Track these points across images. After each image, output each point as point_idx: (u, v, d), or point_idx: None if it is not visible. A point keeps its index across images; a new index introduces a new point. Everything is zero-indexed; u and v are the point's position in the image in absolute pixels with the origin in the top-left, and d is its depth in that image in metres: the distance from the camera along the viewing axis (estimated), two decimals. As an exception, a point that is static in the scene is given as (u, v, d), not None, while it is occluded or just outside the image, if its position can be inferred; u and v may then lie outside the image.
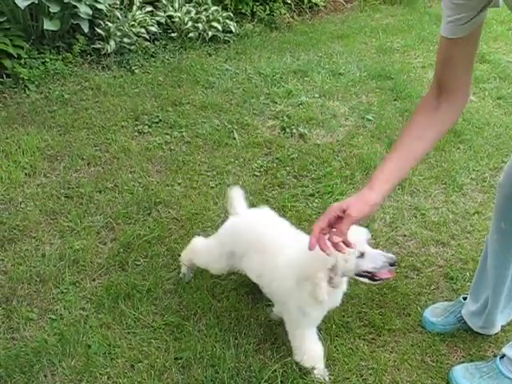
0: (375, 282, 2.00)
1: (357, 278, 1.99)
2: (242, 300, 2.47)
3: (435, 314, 2.46)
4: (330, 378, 2.18)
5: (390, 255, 1.95)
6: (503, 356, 2.18)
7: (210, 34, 4.88)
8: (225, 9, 5.14)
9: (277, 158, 3.46)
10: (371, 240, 2.09)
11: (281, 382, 2.13)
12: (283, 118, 3.86)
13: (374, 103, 4.13)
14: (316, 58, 4.81)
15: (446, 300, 2.55)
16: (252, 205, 3.01)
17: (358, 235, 1.91)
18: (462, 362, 2.26)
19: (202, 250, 2.47)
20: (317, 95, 4.21)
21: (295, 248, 2.09)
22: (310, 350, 2.18)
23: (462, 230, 2.94)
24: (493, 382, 2.15)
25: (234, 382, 2.13)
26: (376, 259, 1.93)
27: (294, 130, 3.73)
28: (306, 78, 4.46)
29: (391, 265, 1.93)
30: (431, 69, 4.76)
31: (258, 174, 3.33)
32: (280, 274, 2.12)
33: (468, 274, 2.67)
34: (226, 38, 5.00)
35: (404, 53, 5.06)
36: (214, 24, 4.89)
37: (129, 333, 2.35)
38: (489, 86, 4.49)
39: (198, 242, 2.51)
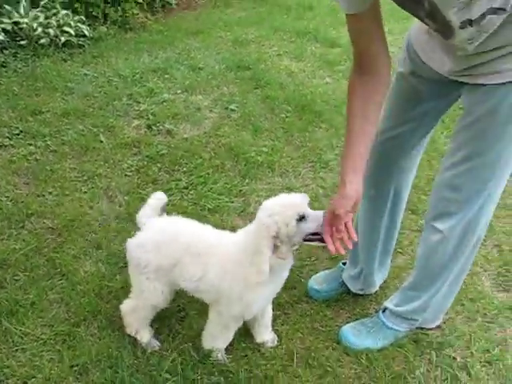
0: (325, 244, 1.97)
1: (306, 243, 1.99)
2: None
3: (318, 282, 2.62)
4: (228, 358, 2.26)
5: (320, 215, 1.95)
6: (385, 309, 2.39)
7: (63, 39, 4.72)
8: (75, 12, 4.99)
9: (147, 156, 3.46)
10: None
11: (181, 369, 2.18)
12: (148, 117, 3.87)
13: (235, 93, 4.25)
14: (174, 55, 4.85)
15: (327, 268, 2.73)
16: (127, 205, 3.04)
17: (296, 200, 1.97)
18: (348, 322, 2.44)
19: (136, 303, 2.26)
20: (179, 91, 4.25)
21: (235, 238, 2.11)
22: (225, 343, 2.24)
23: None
24: (378, 335, 2.35)
25: (134, 379, 2.14)
26: (319, 218, 1.95)
27: (161, 127, 3.76)
28: (166, 76, 4.48)
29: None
30: (286, 56, 4.99)
31: (130, 173, 3.32)
32: (230, 271, 2.06)
33: (342, 241, 2.87)
34: (80, 43, 4.87)
35: (259, 43, 5.24)
36: (66, 29, 4.75)
37: (17, 350, 2.27)
38: (342, 68, 4.79)
39: (126, 304, 2.30)
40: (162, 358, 2.23)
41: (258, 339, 2.33)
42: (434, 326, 2.44)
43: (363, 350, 2.32)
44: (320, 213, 1.97)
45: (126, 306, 2.29)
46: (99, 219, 2.95)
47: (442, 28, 1.72)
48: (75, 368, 2.20)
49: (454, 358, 2.33)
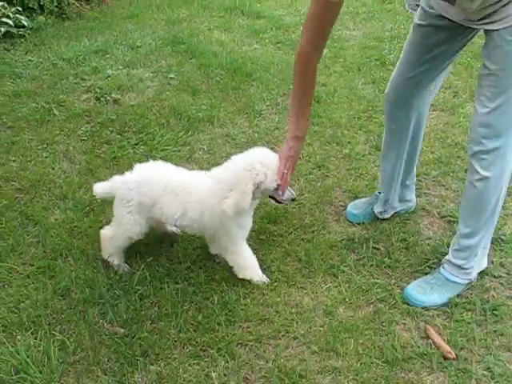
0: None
1: (269, 198, 2.53)
2: (98, 234, 2.80)
3: (357, 207, 3.00)
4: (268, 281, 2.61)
5: (294, 193, 2.50)
6: (444, 264, 2.58)
7: (3, 30, 4.96)
8: (11, 4, 5.23)
9: (98, 123, 3.80)
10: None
11: (150, 281, 2.57)
12: (96, 90, 4.20)
13: (173, 64, 4.62)
14: (112, 38, 5.17)
15: (364, 197, 3.11)
16: (87, 162, 3.39)
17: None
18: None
19: (115, 231, 2.59)
20: (121, 67, 4.58)
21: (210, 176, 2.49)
22: (249, 262, 2.57)
23: (267, 142, 3.58)
24: (442, 290, 2.51)
25: (111, 292, 2.51)
26: (287, 193, 2.46)
27: (108, 98, 4.10)
28: (107, 55, 4.80)
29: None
30: (217, 30, 5.38)
31: (85, 138, 3.66)
32: (209, 203, 2.42)
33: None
34: (20, 33, 5.11)
35: (190, 21, 5.61)
36: (5, 20, 4.98)
37: (4, 285, 2.59)
38: (268, 35, 5.22)
39: (107, 230, 2.65)
40: (133, 273, 2.61)
41: (213, 251, 2.74)
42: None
43: (428, 305, 2.49)
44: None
45: (105, 232, 2.66)
46: (62, 176, 3.29)
47: None
48: (58, 291, 2.55)
49: (378, 249, 2.79)
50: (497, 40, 2.12)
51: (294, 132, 2.46)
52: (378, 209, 2.94)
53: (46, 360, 2.24)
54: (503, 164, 2.28)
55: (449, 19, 2.30)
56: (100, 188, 2.62)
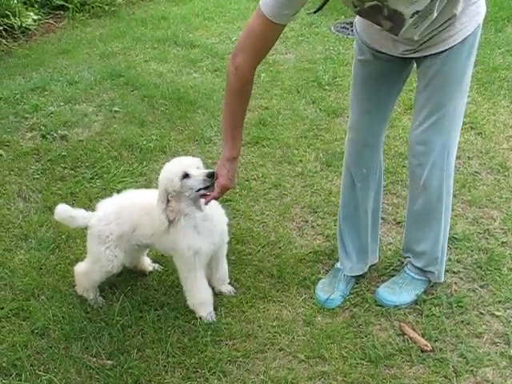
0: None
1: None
2: (70, 270, 2.79)
3: (327, 291, 2.69)
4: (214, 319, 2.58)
5: (208, 170, 2.38)
6: (407, 264, 2.72)
7: None
8: None
9: (49, 160, 3.77)
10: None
11: (130, 310, 2.58)
12: (40, 128, 4.14)
13: (115, 97, 4.64)
14: (48, 74, 5.12)
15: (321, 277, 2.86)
16: (43, 200, 3.36)
17: (183, 160, 2.42)
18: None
19: (91, 267, 2.59)
20: (62, 103, 4.55)
21: None
22: (201, 294, 2.54)
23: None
24: (410, 288, 2.65)
25: (93, 326, 2.53)
26: (199, 177, 2.33)
27: (55, 135, 4.06)
28: (46, 92, 4.75)
29: (209, 176, 2.33)
30: (153, 61, 5.43)
31: (37, 176, 3.62)
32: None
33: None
34: (-50, 76, 5.00)
35: (125, 54, 5.64)
36: None
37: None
38: (205, 64, 5.33)
39: (80, 266, 2.65)
40: (110, 307, 2.62)
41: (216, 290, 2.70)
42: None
43: (399, 304, 2.61)
44: (203, 172, 2.37)
45: (79, 268, 2.66)
46: (20, 216, 3.24)
47: (395, 25, 2.06)
48: (36, 331, 2.53)
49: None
50: (434, 60, 2.26)
51: (230, 153, 2.39)
52: (356, 272, 2.78)
53: (34, 401, 2.22)
54: (441, 175, 2.42)
55: (387, 54, 2.35)
56: (63, 210, 2.59)
